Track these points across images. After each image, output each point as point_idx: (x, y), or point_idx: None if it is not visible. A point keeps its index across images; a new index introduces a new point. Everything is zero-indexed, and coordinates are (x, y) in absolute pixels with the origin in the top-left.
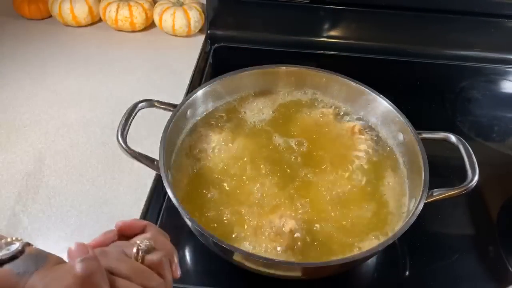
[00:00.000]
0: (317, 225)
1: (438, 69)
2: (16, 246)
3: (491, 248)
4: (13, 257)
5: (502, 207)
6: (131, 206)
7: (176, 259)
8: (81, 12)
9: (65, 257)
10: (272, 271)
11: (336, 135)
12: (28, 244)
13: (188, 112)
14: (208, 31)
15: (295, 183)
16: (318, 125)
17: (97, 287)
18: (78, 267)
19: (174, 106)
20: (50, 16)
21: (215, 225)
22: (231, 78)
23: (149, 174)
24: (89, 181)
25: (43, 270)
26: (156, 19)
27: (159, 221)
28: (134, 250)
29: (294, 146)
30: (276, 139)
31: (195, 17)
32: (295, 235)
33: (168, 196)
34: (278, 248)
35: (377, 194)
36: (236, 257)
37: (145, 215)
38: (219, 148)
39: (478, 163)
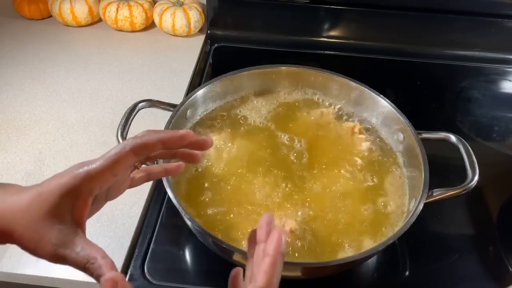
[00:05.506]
0: (317, 225)
1: (438, 69)
2: None
3: (491, 248)
4: None
5: (502, 207)
6: (131, 206)
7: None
8: (81, 12)
9: None
10: None
11: (336, 135)
12: None
13: (188, 112)
14: (208, 31)
15: (295, 183)
16: (318, 125)
17: None
18: None
19: (174, 106)
20: (50, 16)
21: (215, 225)
22: (231, 78)
23: None
24: None
25: None
26: (156, 19)
27: (159, 221)
28: None
29: (294, 146)
30: (276, 139)
31: (195, 17)
32: (295, 235)
33: (168, 196)
34: None
35: (377, 194)
36: (236, 257)
37: (145, 215)
38: (219, 148)
39: (478, 163)
